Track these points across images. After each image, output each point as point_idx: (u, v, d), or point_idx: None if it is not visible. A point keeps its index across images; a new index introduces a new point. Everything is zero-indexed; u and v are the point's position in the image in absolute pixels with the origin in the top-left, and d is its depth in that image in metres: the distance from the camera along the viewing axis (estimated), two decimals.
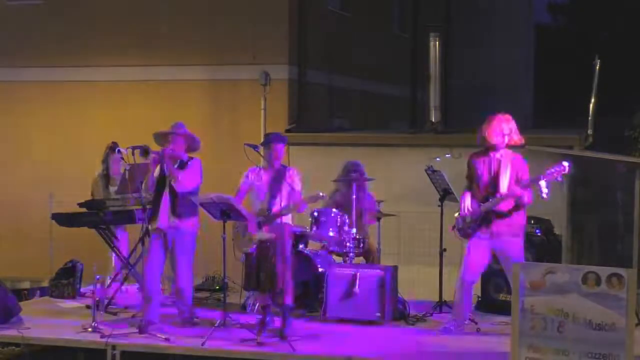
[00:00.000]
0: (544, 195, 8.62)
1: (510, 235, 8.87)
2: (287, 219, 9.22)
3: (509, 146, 8.95)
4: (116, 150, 10.64)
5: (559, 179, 8.62)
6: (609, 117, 15.33)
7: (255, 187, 9.27)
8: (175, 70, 14.62)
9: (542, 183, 8.54)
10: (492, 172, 8.88)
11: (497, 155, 8.89)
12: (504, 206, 8.83)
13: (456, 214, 9.11)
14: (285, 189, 9.15)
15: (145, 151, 9.17)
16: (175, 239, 9.35)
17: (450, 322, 9.16)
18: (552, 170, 8.50)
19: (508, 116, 8.92)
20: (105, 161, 11.00)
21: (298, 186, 9.22)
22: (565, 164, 8.52)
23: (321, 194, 9.08)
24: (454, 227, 9.17)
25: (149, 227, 9.36)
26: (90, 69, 14.96)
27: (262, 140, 9.43)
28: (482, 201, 8.90)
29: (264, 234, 9.06)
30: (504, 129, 8.83)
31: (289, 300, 9.20)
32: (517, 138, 8.90)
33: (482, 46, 23.40)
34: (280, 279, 8.99)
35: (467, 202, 9.02)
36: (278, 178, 9.16)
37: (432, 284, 10.45)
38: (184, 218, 9.33)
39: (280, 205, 9.07)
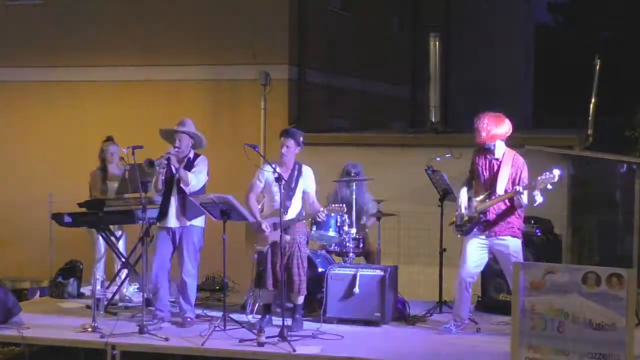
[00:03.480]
0: (535, 205, 8.66)
1: (508, 235, 8.88)
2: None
3: (510, 146, 8.98)
4: (111, 141, 10.69)
5: (549, 187, 8.62)
6: (609, 117, 15.33)
7: (270, 186, 9.24)
8: (175, 70, 14.62)
9: (536, 192, 8.56)
10: (491, 173, 8.91)
11: (498, 155, 8.90)
12: (506, 209, 8.85)
13: (457, 211, 9.13)
14: (299, 191, 9.17)
15: (150, 163, 9.19)
16: (184, 237, 9.39)
17: (450, 322, 9.17)
18: (543, 178, 8.51)
19: (490, 115, 8.94)
20: (101, 155, 10.98)
21: (313, 188, 9.24)
22: (556, 172, 8.52)
23: (344, 206, 9.18)
24: (452, 223, 9.19)
25: (158, 224, 9.40)
26: (90, 69, 14.95)
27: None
28: (480, 201, 8.92)
29: (279, 236, 9.04)
30: (481, 129, 8.85)
31: (301, 300, 9.28)
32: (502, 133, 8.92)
33: (482, 46, 23.39)
34: (297, 280, 9.07)
35: (464, 200, 9.05)
36: (293, 178, 9.16)
37: (432, 284, 10.45)
38: (192, 217, 9.36)
39: (296, 206, 9.14)
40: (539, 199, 8.60)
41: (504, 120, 8.91)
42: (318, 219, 9.30)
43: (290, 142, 9.23)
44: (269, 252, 9.22)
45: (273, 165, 9.09)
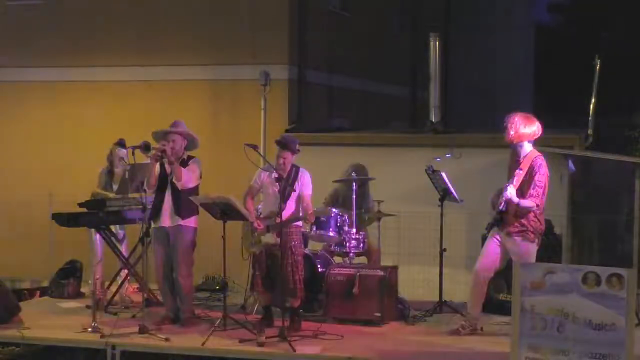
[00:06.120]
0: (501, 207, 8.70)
1: (521, 238, 8.81)
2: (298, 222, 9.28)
3: (535, 146, 8.95)
4: (123, 146, 10.71)
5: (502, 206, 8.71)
6: (609, 117, 15.33)
7: (267, 188, 9.27)
8: (175, 70, 14.60)
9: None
10: (512, 173, 8.86)
11: (522, 156, 8.86)
12: (521, 209, 8.81)
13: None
14: (295, 194, 9.18)
15: (146, 147, 9.22)
16: (177, 237, 9.39)
17: (459, 323, 9.12)
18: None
19: (521, 114, 8.92)
20: (109, 158, 11.01)
21: (308, 191, 9.23)
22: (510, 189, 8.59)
23: (334, 210, 9.29)
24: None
25: (152, 224, 9.41)
26: (90, 69, 14.94)
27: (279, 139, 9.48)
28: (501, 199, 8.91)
29: (271, 238, 9.11)
30: (509, 127, 8.82)
31: (297, 302, 9.27)
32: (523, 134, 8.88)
33: (482, 46, 23.39)
34: (290, 283, 9.05)
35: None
36: (289, 181, 9.17)
37: (432, 284, 10.46)
38: (186, 216, 9.37)
39: (291, 209, 9.11)
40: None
41: (533, 121, 8.84)
42: (306, 222, 9.32)
43: (287, 154, 9.27)
44: (262, 254, 9.23)
45: (269, 166, 9.14)
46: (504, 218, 8.82)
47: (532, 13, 28.88)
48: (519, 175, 8.70)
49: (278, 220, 8.97)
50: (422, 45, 15.17)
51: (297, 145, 9.40)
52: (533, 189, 8.64)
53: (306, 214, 9.13)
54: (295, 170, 9.25)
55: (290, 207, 9.20)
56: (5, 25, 15.53)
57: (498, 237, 8.93)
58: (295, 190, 9.20)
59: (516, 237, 8.82)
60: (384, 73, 18.36)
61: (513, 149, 8.93)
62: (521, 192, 8.68)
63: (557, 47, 29.90)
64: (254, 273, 9.32)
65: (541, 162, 8.78)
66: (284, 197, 9.13)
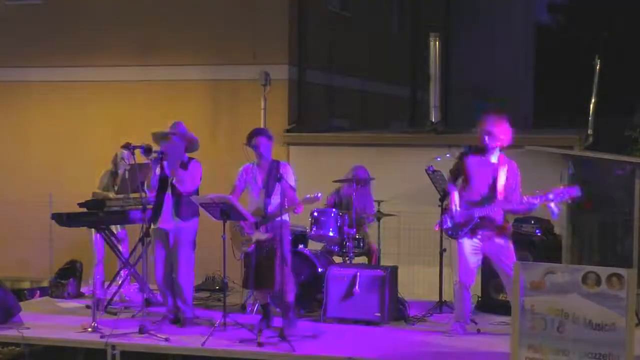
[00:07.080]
0: (555, 217, 8.62)
1: (499, 237, 8.84)
2: (285, 216, 9.24)
3: (504, 149, 8.92)
4: (130, 148, 10.71)
5: (568, 201, 8.57)
6: (609, 117, 15.32)
7: (250, 186, 9.28)
8: (175, 70, 14.61)
9: (553, 204, 8.50)
10: (487, 177, 8.82)
11: (494, 159, 8.83)
12: (498, 212, 8.81)
13: (448, 214, 9.02)
14: (279, 187, 9.14)
15: (148, 150, 9.22)
16: (177, 238, 9.39)
17: (456, 325, 9.11)
18: (563, 191, 8.47)
19: (503, 119, 8.89)
20: (114, 160, 11.00)
21: (291, 182, 9.20)
22: (578, 191, 8.48)
23: (319, 194, 9.02)
24: (439, 226, 9.12)
25: (152, 225, 9.41)
26: (89, 69, 14.95)
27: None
28: (476, 205, 8.83)
29: (261, 234, 9.10)
30: (499, 133, 8.79)
31: (290, 299, 9.24)
32: (506, 140, 8.85)
33: (482, 46, 23.38)
34: (279, 279, 9.01)
35: (458, 202, 8.94)
36: (271, 175, 9.14)
37: (432, 284, 10.46)
38: (186, 218, 9.37)
39: (276, 203, 9.08)
40: (555, 211, 8.55)
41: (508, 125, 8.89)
42: (294, 212, 9.28)
43: (261, 139, 9.20)
44: (253, 252, 9.21)
45: (250, 166, 9.18)
46: (479, 223, 8.80)
47: (532, 13, 28.85)
48: (506, 181, 8.72)
49: (264, 215, 9.00)
50: (422, 45, 15.18)
51: (269, 133, 9.34)
52: (518, 192, 8.69)
53: (293, 204, 9.08)
54: (275, 164, 9.21)
55: (275, 202, 9.15)
56: (5, 25, 15.54)
57: (472, 242, 8.88)
58: (276, 185, 9.14)
59: (497, 237, 8.82)
60: (384, 73, 18.36)
61: (482, 152, 8.87)
62: (505, 195, 8.73)
63: (557, 47, 29.88)
64: (245, 270, 9.32)
65: (517, 165, 8.86)
66: (267, 191, 9.13)
